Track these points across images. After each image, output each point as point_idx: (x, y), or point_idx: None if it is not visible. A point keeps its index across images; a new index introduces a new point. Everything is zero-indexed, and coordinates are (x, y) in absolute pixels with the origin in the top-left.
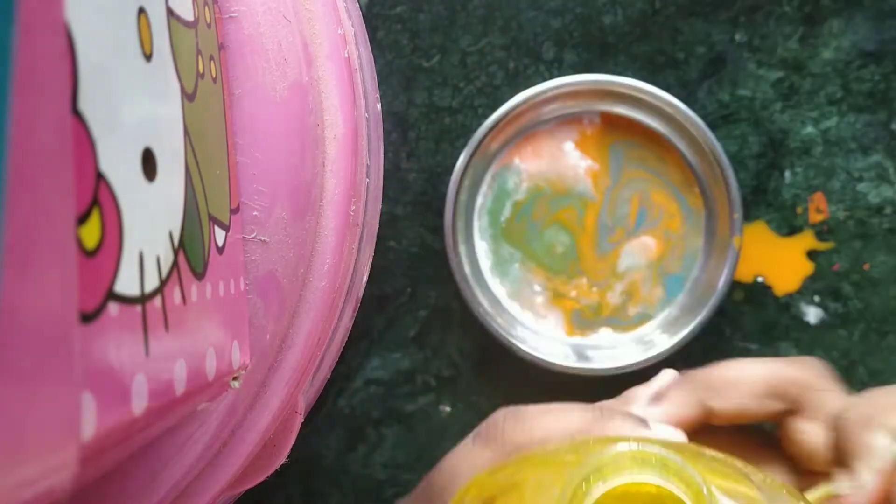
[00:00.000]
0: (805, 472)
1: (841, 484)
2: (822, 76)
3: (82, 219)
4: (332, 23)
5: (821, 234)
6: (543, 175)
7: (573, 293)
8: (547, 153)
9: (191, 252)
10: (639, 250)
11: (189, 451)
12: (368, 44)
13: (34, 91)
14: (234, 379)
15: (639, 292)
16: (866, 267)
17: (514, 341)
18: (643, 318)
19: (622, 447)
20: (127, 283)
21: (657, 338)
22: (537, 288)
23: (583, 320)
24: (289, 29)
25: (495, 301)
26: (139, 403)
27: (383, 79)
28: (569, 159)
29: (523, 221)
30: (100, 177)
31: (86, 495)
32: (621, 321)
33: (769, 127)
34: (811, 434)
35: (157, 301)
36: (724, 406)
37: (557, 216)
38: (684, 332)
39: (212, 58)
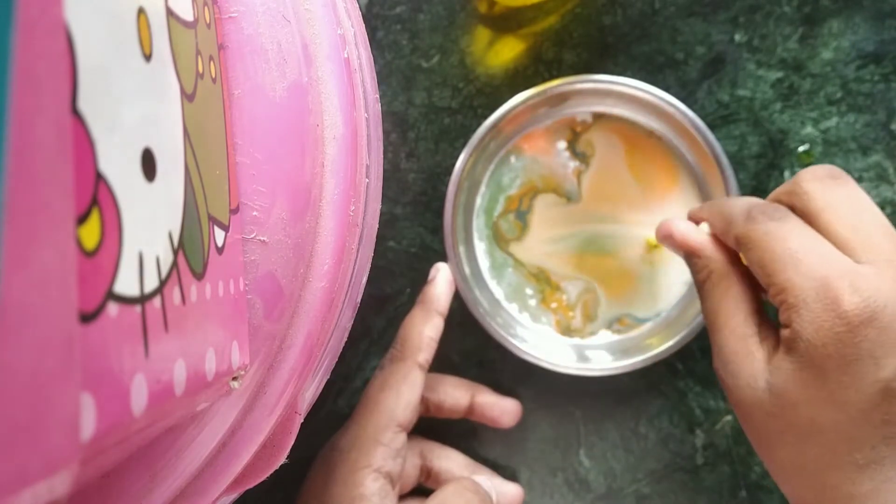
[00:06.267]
0: None
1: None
2: (821, 76)
3: (82, 219)
4: (331, 23)
5: None
6: (537, 172)
7: (564, 297)
8: (542, 151)
9: (190, 252)
10: (638, 244)
11: (189, 451)
12: (368, 44)
13: (34, 91)
14: (234, 379)
15: (637, 289)
16: None
17: (514, 341)
18: (643, 319)
19: None
20: (126, 284)
21: (656, 338)
22: (529, 291)
23: (579, 322)
24: (288, 29)
25: (494, 301)
26: (138, 404)
27: (383, 79)
28: (560, 158)
29: (514, 225)
30: (99, 177)
31: (86, 495)
32: (620, 324)
33: (769, 127)
34: None
35: (157, 301)
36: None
37: (548, 214)
38: (684, 332)
39: (211, 58)
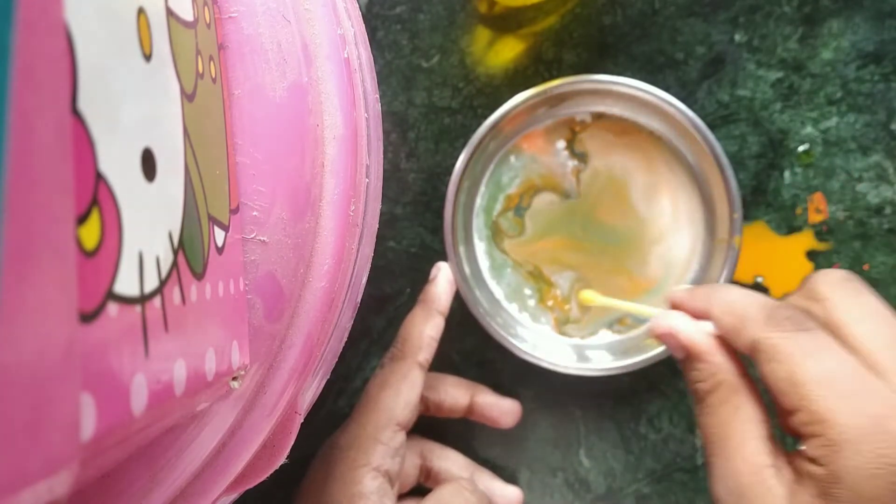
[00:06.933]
0: None
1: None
2: (821, 76)
3: (82, 219)
4: (331, 23)
5: (820, 234)
6: (536, 171)
7: (558, 292)
8: (541, 150)
9: (190, 252)
10: (637, 244)
11: (189, 451)
12: (368, 44)
13: (34, 91)
14: (234, 379)
15: (640, 289)
16: (866, 267)
17: (514, 341)
18: (643, 319)
19: None
20: (126, 284)
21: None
22: (528, 291)
23: (576, 313)
24: (288, 29)
25: (494, 301)
26: (138, 404)
27: (383, 79)
28: (559, 157)
29: (514, 222)
30: (99, 177)
31: (86, 495)
32: (620, 324)
33: (769, 127)
34: None
35: (157, 301)
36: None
37: (545, 215)
38: None
39: (211, 58)
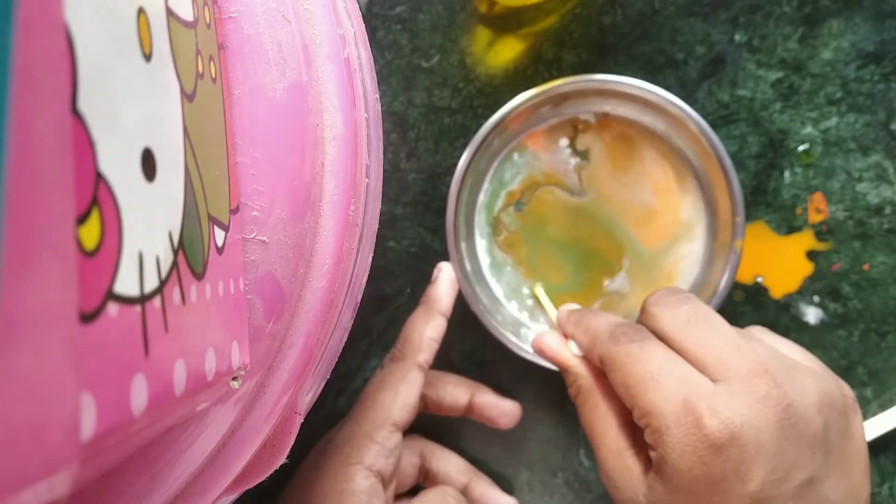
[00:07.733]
0: None
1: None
2: (821, 76)
3: (82, 219)
4: (331, 23)
5: (820, 234)
6: (539, 168)
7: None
8: (544, 148)
9: (190, 252)
10: (638, 244)
11: (189, 451)
12: (368, 44)
13: (34, 91)
14: (234, 379)
15: (640, 286)
16: (866, 267)
17: (514, 339)
18: None
19: None
20: (126, 284)
21: None
22: (526, 291)
23: None
24: (288, 29)
25: (494, 299)
26: (138, 404)
27: (383, 79)
28: (561, 155)
29: (515, 217)
30: (99, 177)
31: (86, 495)
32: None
33: (769, 127)
34: None
35: (157, 301)
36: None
37: (546, 212)
38: None
39: (211, 58)
